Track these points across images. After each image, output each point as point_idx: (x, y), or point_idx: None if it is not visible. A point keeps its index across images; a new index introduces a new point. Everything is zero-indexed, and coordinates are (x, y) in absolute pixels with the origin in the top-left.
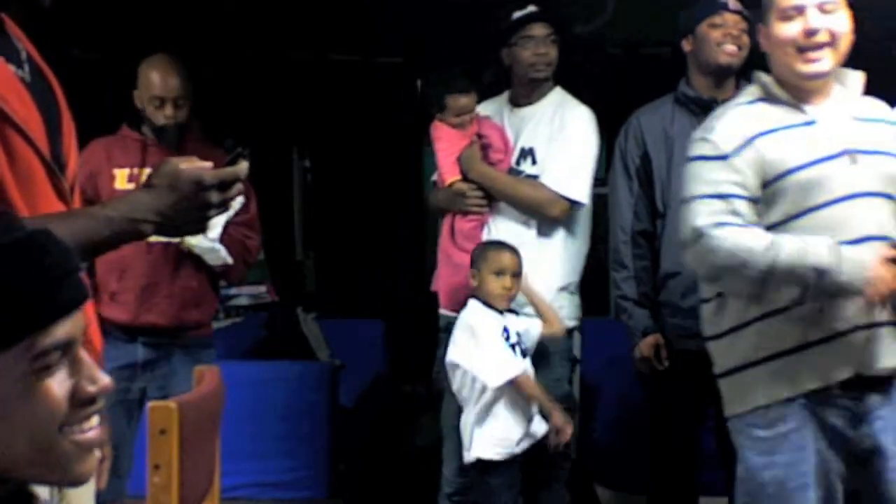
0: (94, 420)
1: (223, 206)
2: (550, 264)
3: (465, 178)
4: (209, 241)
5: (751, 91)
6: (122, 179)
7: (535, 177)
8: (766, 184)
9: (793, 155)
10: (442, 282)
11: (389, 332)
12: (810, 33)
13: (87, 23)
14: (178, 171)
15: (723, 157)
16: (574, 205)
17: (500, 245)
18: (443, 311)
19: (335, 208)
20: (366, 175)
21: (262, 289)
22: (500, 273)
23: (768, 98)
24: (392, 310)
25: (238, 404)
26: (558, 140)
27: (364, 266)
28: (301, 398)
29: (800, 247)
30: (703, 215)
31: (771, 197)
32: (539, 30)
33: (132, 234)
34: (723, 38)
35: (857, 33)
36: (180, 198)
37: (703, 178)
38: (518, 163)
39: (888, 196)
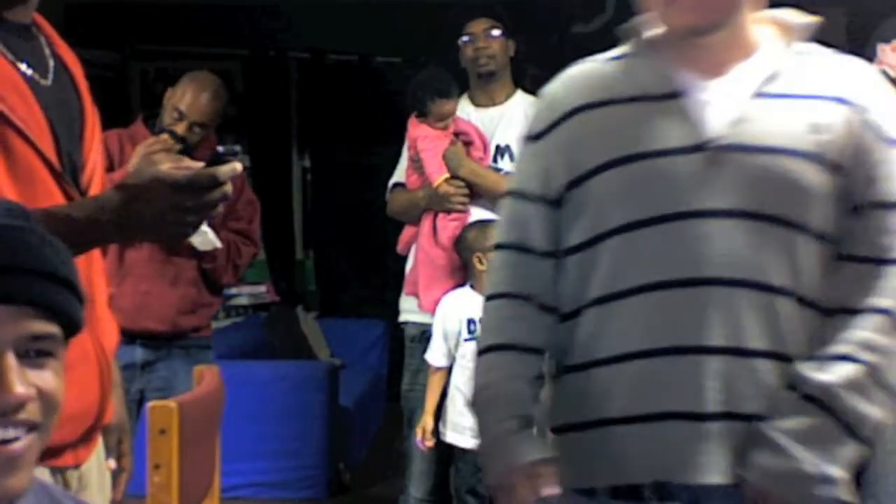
0: (11, 432)
1: (204, 209)
2: None
3: (452, 176)
4: None
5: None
6: None
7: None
8: (575, 180)
9: (619, 140)
10: (424, 284)
11: (389, 332)
12: None
13: (91, 24)
14: (151, 173)
15: (533, 138)
16: None
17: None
18: (414, 318)
19: (335, 208)
20: (365, 175)
21: (262, 289)
22: None
23: (637, 54)
24: (392, 310)
25: (238, 404)
26: None
27: (364, 266)
28: (301, 398)
29: (492, 408)
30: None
31: (579, 201)
32: (477, 26)
33: (97, 237)
34: None
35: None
36: (151, 200)
37: (517, 168)
38: (495, 160)
39: (770, 218)
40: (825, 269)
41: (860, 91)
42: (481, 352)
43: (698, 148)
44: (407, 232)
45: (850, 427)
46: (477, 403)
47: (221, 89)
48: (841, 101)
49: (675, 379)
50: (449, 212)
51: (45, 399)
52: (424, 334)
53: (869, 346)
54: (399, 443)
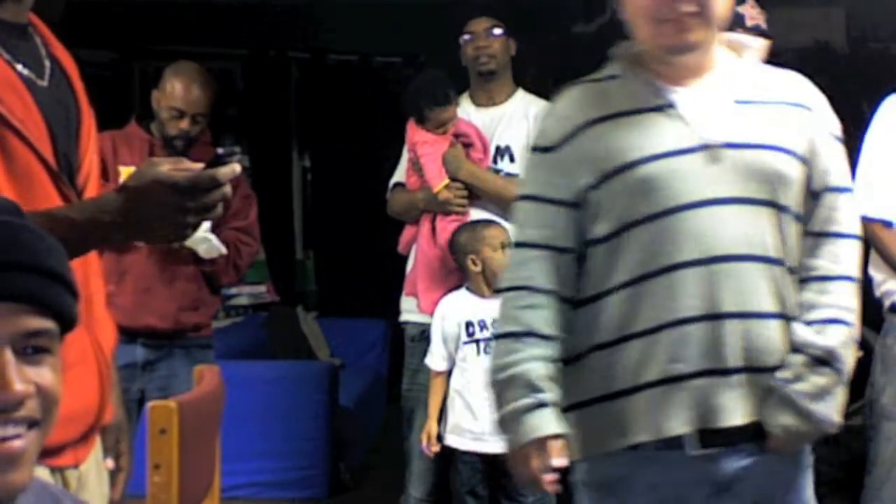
0: (11, 429)
1: (204, 210)
2: None
3: (451, 179)
4: (201, 232)
5: (611, 66)
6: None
7: (515, 175)
8: (597, 183)
9: (633, 146)
10: (423, 285)
11: (389, 332)
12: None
13: (91, 24)
14: (152, 174)
15: (548, 149)
16: None
17: (488, 222)
18: (414, 318)
19: (335, 208)
20: (366, 175)
21: (262, 289)
22: (503, 247)
23: (625, 74)
24: (392, 309)
25: (238, 404)
26: None
27: (364, 266)
28: (301, 398)
29: (512, 391)
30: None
31: (601, 200)
32: (478, 25)
33: (97, 238)
34: None
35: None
36: (152, 202)
37: (529, 175)
38: (495, 161)
39: (762, 202)
40: (800, 243)
41: (808, 97)
42: (498, 337)
43: (699, 148)
44: (408, 232)
45: (844, 378)
46: (495, 382)
47: (206, 75)
48: (798, 105)
49: (705, 342)
50: (448, 213)
51: (44, 395)
52: (424, 334)
53: (847, 308)
54: (399, 443)
